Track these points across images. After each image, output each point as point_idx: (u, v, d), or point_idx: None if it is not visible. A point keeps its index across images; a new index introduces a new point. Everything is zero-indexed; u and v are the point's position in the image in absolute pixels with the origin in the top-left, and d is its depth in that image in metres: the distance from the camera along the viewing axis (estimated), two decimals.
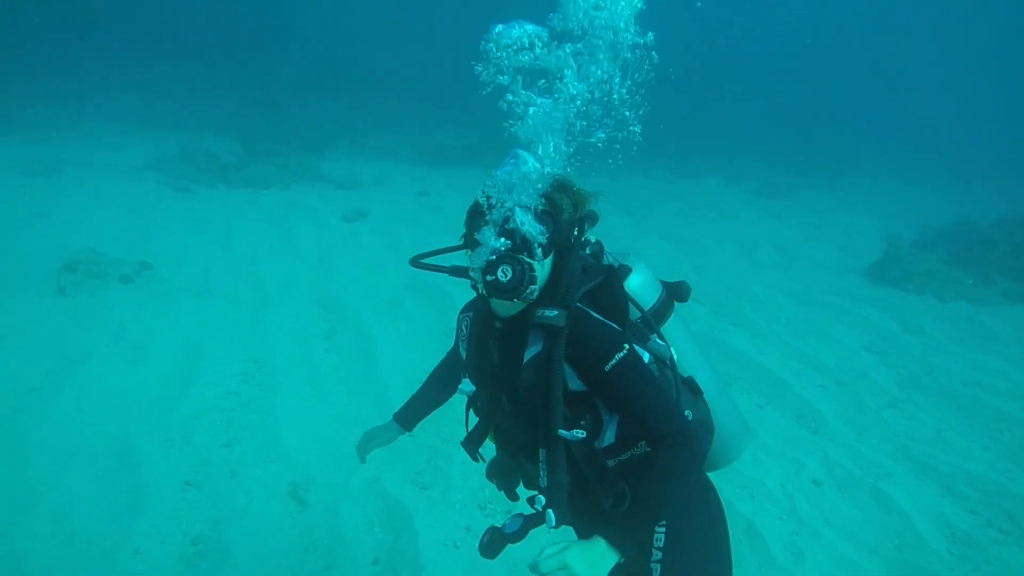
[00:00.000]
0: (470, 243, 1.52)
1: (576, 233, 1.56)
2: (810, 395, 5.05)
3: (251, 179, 10.14)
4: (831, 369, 5.55)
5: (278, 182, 10.31)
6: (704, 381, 1.72)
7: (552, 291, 1.51)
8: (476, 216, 1.50)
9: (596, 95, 1.52)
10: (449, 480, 3.72)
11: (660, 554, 1.53)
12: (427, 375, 2.14)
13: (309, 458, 3.84)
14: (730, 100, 22.77)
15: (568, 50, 1.47)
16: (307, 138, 12.70)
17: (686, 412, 1.57)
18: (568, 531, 1.55)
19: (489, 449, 1.83)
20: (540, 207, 1.48)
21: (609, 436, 1.50)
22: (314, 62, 17.32)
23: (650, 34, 1.49)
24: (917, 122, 23.99)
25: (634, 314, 1.63)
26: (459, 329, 1.78)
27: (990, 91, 28.96)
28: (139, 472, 3.60)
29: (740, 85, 24.88)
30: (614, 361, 1.43)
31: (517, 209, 1.43)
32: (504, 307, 1.54)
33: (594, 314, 1.54)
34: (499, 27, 1.44)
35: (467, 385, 1.69)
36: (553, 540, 1.30)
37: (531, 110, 1.47)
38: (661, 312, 1.69)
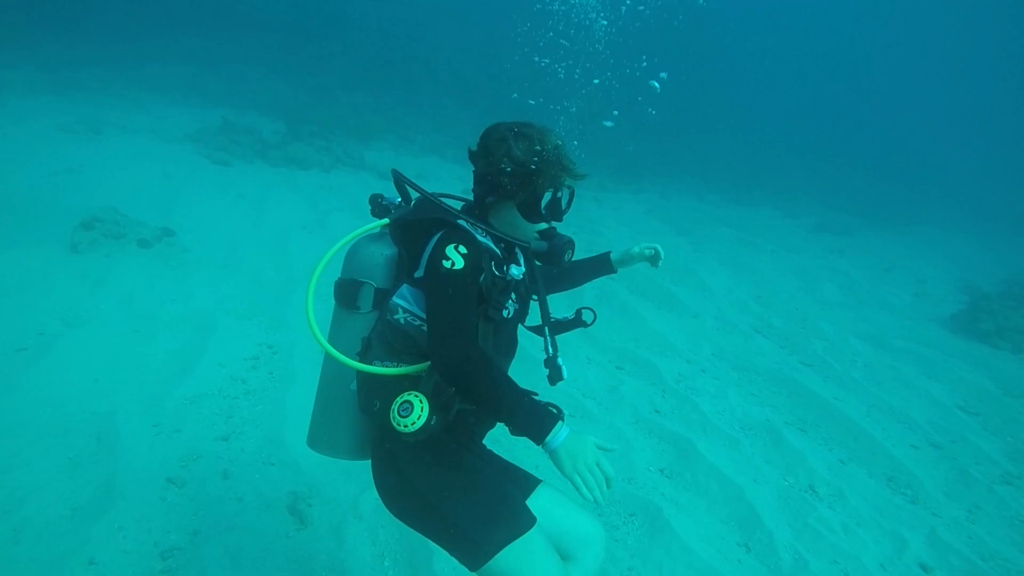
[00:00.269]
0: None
1: None
2: (901, 455, 4.28)
3: (291, 158, 9.74)
4: (922, 427, 4.76)
5: (318, 164, 9.88)
6: None
7: None
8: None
9: None
10: None
11: None
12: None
13: (316, 465, 3.23)
14: (790, 134, 21.94)
15: None
16: (354, 127, 12.33)
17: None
18: None
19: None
20: None
21: None
22: (369, 55, 17.04)
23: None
24: (988, 167, 22.77)
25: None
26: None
27: None
28: (116, 460, 3.04)
29: (802, 121, 24.02)
30: None
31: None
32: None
33: None
34: None
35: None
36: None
37: None
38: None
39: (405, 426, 1.51)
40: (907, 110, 30.56)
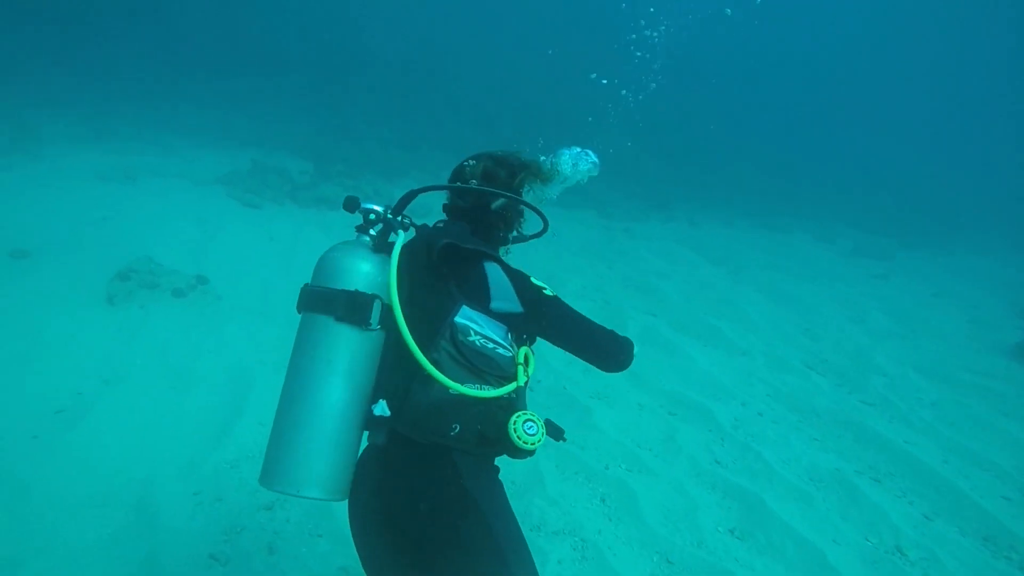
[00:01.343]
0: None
1: None
2: (994, 508, 3.92)
3: (321, 199, 9.75)
4: (1010, 474, 4.39)
5: None
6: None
7: None
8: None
9: None
10: None
11: None
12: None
13: None
14: (816, 155, 21.64)
15: None
16: (380, 164, 12.38)
17: None
18: None
19: None
20: None
21: None
22: (391, 90, 17.29)
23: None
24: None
25: None
26: None
27: None
28: (156, 534, 2.87)
29: (828, 141, 23.73)
30: None
31: None
32: None
33: None
34: None
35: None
36: None
37: None
38: None
39: (529, 444, 1.55)
40: (933, 128, 30.07)
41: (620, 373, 1.88)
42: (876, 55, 35.66)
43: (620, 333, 1.83)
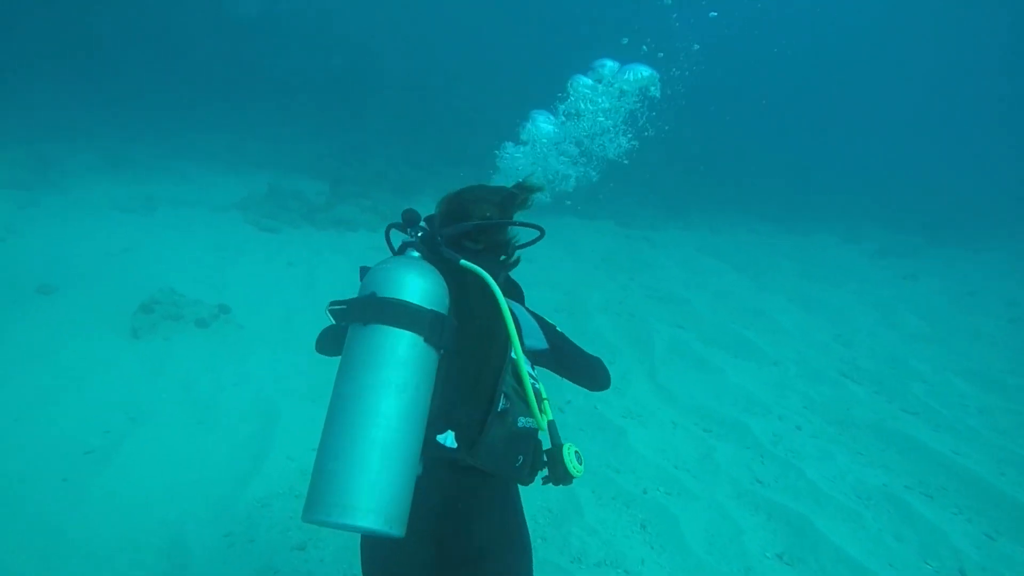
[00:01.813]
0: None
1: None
2: None
3: (338, 220, 9.75)
4: None
5: (365, 225, 9.87)
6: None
7: None
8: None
9: None
10: None
11: None
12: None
13: None
14: (834, 153, 21.33)
15: None
16: (395, 183, 12.40)
17: None
18: None
19: None
20: None
21: None
22: (403, 109, 17.38)
23: None
24: None
25: None
26: None
27: None
28: None
29: (845, 138, 23.40)
30: None
31: None
32: None
33: None
34: None
35: None
36: None
37: None
38: None
39: (579, 472, 1.61)
40: (960, 119, 29.54)
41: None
42: (895, 47, 35.21)
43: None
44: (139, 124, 14.95)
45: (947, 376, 6.03)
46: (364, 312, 1.45)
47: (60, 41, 20.24)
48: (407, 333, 1.44)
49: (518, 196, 1.86)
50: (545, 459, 1.64)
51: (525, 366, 1.61)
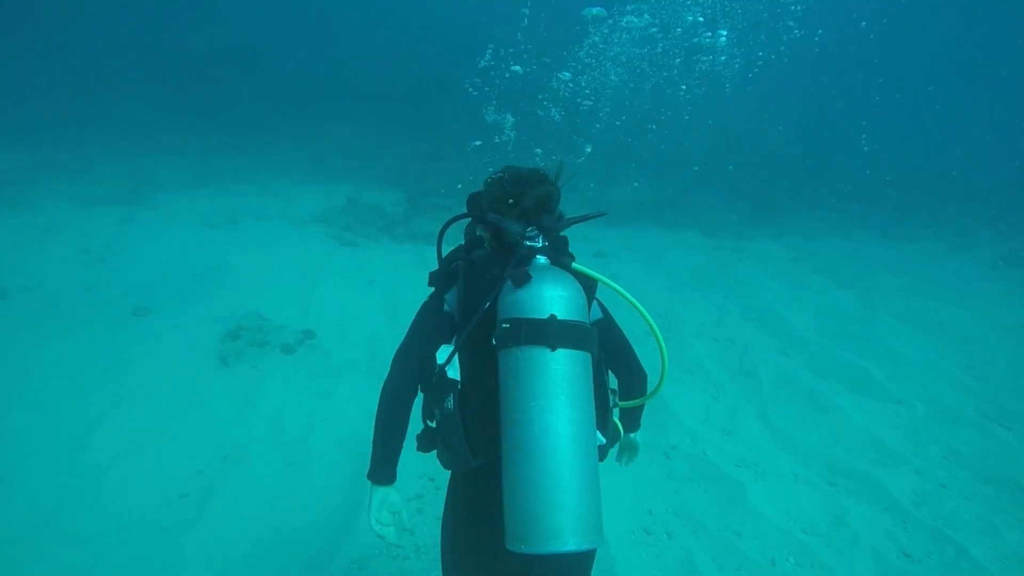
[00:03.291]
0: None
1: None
2: None
3: (416, 233, 9.64)
4: None
5: (444, 239, 9.71)
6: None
7: None
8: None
9: None
10: None
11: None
12: None
13: None
14: (932, 148, 19.67)
15: None
16: (472, 191, 12.21)
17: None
18: None
19: None
20: None
21: None
22: (475, 115, 17.24)
23: None
24: None
25: None
26: None
27: None
28: None
29: (944, 131, 21.55)
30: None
31: None
32: None
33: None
34: None
35: None
36: None
37: None
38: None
39: None
40: None
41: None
42: (999, 31, 32.27)
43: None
44: (223, 138, 15.49)
45: None
46: (555, 338, 1.46)
47: (153, 57, 21.37)
48: (584, 354, 1.51)
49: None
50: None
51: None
